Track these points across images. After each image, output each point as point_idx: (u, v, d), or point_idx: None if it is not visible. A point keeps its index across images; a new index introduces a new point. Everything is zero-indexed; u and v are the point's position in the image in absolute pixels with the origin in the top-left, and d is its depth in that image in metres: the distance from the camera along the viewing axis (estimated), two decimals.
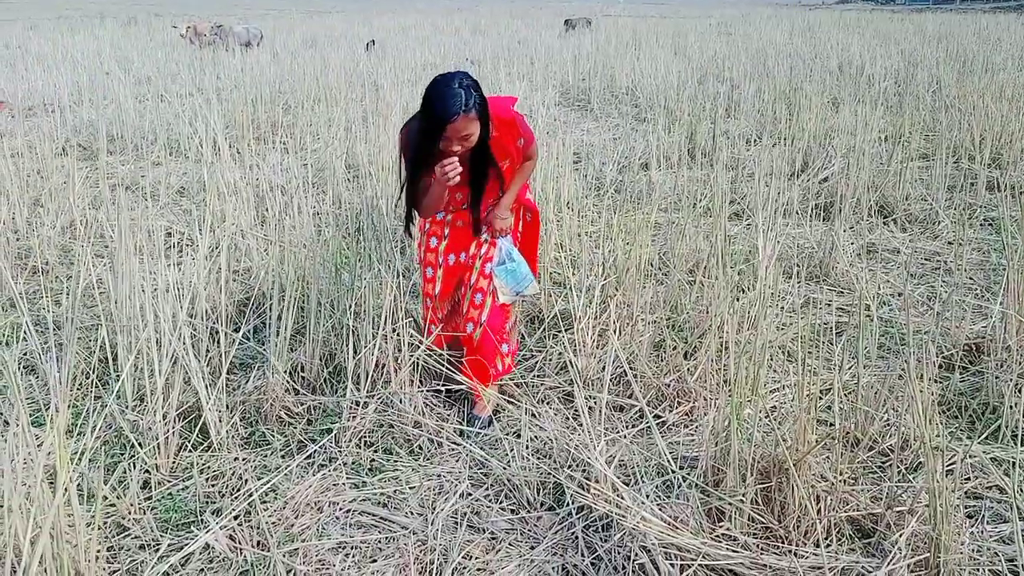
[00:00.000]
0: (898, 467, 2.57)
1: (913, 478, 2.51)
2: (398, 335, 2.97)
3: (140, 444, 2.67)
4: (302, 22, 25.86)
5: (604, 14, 32.27)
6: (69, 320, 3.02)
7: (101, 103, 8.63)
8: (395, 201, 4.47)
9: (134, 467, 2.58)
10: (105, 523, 2.41)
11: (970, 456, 2.68)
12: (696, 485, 2.35)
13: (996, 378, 3.03)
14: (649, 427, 2.87)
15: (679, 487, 2.38)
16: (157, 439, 2.67)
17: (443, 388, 3.08)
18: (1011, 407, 2.79)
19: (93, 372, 3.18)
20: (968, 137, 6.78)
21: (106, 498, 2.47)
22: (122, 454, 2.70)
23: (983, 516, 2.42)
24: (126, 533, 2.39)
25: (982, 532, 2.35)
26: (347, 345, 2.96)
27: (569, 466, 2.65)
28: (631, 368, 3.07)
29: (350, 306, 3.24)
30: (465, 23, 26.12)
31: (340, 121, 7.64)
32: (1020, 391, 2.89)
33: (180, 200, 5.88)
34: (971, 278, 4.30)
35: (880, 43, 15.65)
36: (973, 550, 2.27)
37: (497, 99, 2.77)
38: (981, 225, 5.27)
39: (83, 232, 4.90)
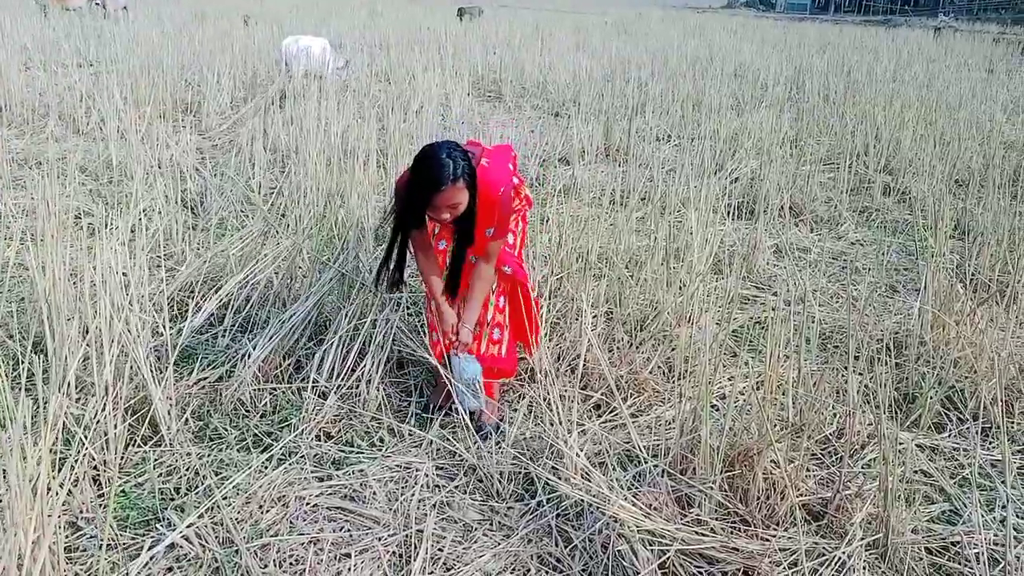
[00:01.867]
0: (839, 454, 2.76)
1: (853, 464, 2.70)
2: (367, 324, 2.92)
3: (85, 440, 2.53)
4: None
5: (500, 5, 32.35)
6: None
7: None
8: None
9: (78, 463, 2.44)
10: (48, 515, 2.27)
11: (899, 444, 2.90)
12: (667, 473, 2.44)
13: (916, 370, 3.28)
14: (611, 418, 2.95)
15: (650, 475, 2.47)
16: (105, 434, 2.53)
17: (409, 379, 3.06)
18: (930, 398, 3.04)
19: (12, 362, 2.98)
20: (862, 144, 7.25)
21: (54, 494, 2.32)
22: (67, 450, 2.54)
23: (916, 499, 2.63)
24: (81, 533, 2.26)
25: (916, 513, 2.56)
26: (312, 335, 2.89)
27: (533, 456, 2.70)
28: (584, 361, 3.14)
29: (314, 297, 3.16)
30: (362, 5, 25.60)
31: (253, 101, 7.37)
32: (939, 383, 3.15)
33: (83, 179, 5.52)
34: (875, 277, 4.62)
35: (769, 49, 16.43)
36: (911, 529, 2.47)
37: (489, 168, 2.69)
38: (879, 226, 5.66)
39: None
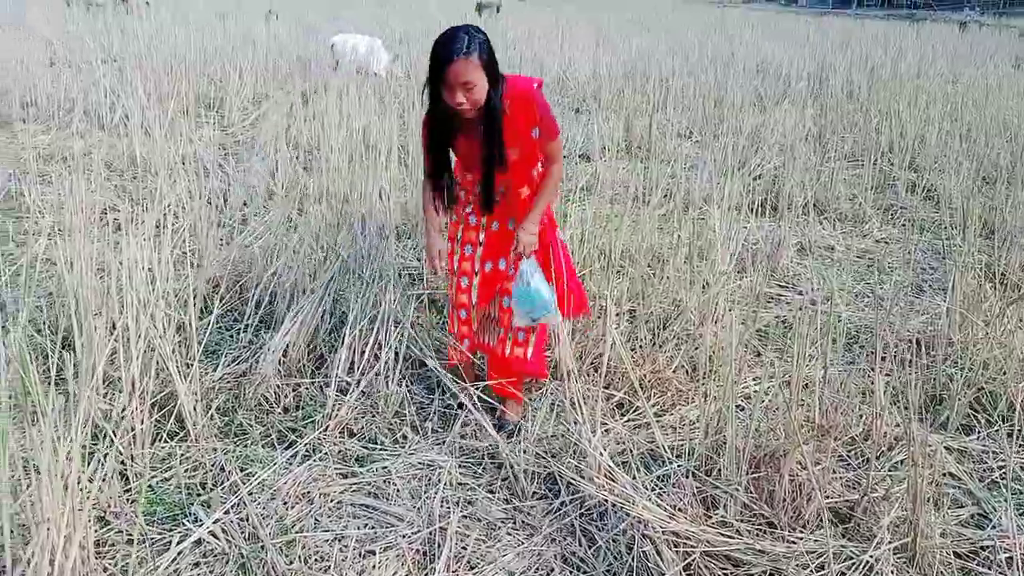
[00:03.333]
0: (865, 456, 2.73)
1: (880, 466, 2.67)
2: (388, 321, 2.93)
3: (112, 435, 2.55)
4: None
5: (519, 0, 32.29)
6: (23, 300, 2.85)
7: (10, 66, 8.06)
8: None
9: (107, 458, 2.47)
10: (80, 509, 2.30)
11: (928, 446, 2.87)
12: (692, 473, 2.43)
13: (944, 372, 3.24)
14: (634, 417, 2.94)
15: (675, 476, 2.45)
16: (132, 429, 2.55)
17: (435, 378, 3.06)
18: (958, 400, 3.00)
19: (41, 357, 3.01)
20: (886, 141, 7.17)
21: (84, 489, 2.35)
22: (95, 444, 2.56)
23: (944, 502, 2.60)
24: (109, 527, 2.28)
25: (945, 517, 2.53)
26: (333, 331, 2.90)
27: (556, 455, 2.69)
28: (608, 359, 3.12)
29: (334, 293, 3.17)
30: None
31: (276, 97, 7.40)
32: (967, 384, 3.11)
33: (109, 174, 5.57)
34: (901, 276, 4.57)
35: (791, 44, 16.28)
36: (939, 533, 2.44)
37: (517, 76, 2.68)
38: (904, 224, 5.59)
39: (14, 207, 4.59)
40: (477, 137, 2.63)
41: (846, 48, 15.15)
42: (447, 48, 2.45)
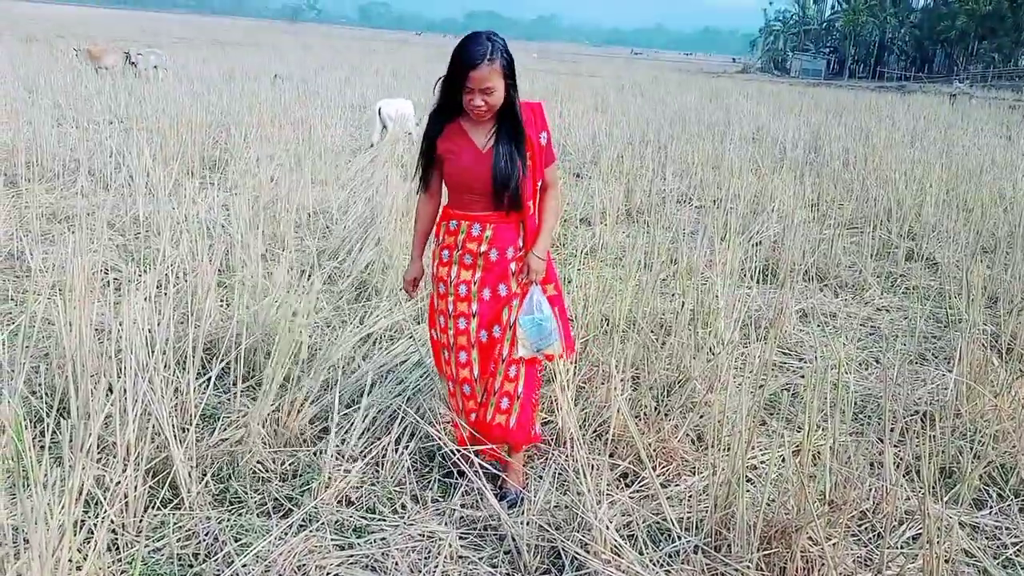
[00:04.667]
0: (876, 530, 2.67)
1: (891, 540, 2.60)
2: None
3: (104, 502, 2.48)
4: (214, 54, 25.33)
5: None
6: (19, 362, 2.80)
7: (17, 126, 8.15)
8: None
9: (98, 527, 2.39)
10: None
11: (938, 520, 2.80)
12: (701, 549, 2.36)
13: (954, 444, 3.19)
14: (640, 488, 2.87)
15: (684, 552, 2.38)
16: (125, 496, 2.48)
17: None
18: (970, 473, 2.95)
19: (35, 421, 2.95)
20: (884, 209, 7.23)
21: (71, 560, 2.27)
22: (85, 512, 2.49)
23: None
24: None
25: None
26: (336, 401, 2.85)
27: (560, 527, 2.62)
28: (612, 427, 3.07)
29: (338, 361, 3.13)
30: (385, 65, 26.24)
31: (279, 158, 7.47)
32: (976, 457, 3.05)
33: (111, 234, 5.58)
34: (904, 344, 4.55)
35: (785, 113, 16.60)
36: None
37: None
38: (904, 293, 5.60)
39: (15, 266, 4.58)
40: (486, 142, 2.66)
41: (840, 117, 15.44)
42: (471, 53, 2.49)
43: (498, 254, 2.71)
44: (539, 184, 2.76)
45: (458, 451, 2.73)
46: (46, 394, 3.10)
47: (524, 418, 2.80)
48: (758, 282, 5.36)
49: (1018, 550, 2.69)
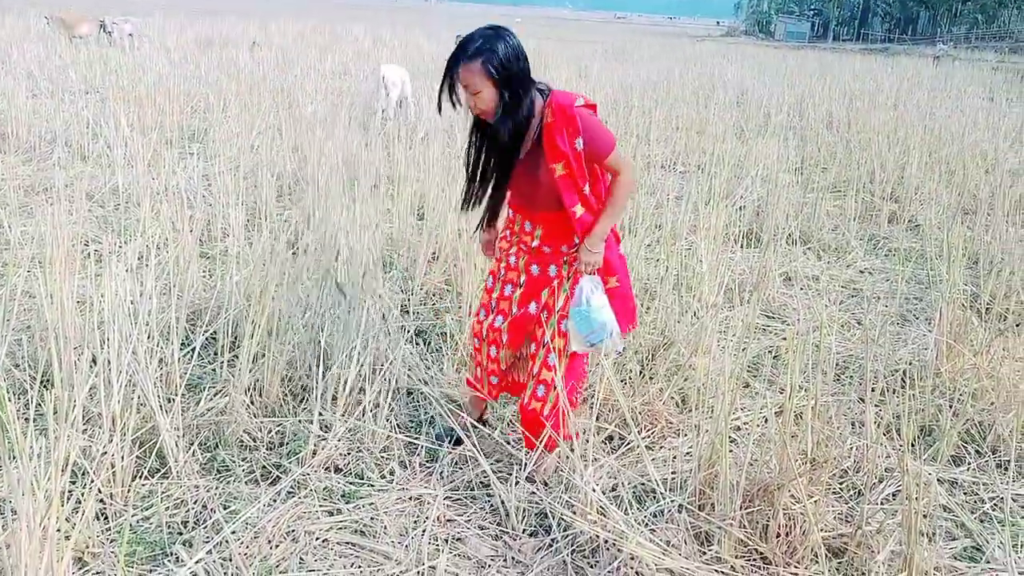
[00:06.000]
0: (856, 488, 2.71)
1: (871, 497, 2.65)
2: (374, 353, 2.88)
3: (91, 472, 2.48)
4: (192, 22, 24.86)
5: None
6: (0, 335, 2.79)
7: None
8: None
9: (86, 497, 2.40)
10: (60, 558, 2.22)
11: (917, 477, 2.85)
12: (685, 508, 2.39)
13: (933, 403, 3.24)
14: (626, 451, 2.90)
15: (668, 511, 2.42)
16: (112, 466, 2.49)
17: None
18: (949, 430, 3.00)
19: (19, 393, 2.94)
20: (867, 172, 7.26)
21: (60, 530, 2.28)
22: (72, 482, 2.49)
23: (938, 535, 2.58)
24: (86, 568, 2.21)
25: (939, 550, 2.51)
26: (317, 365, 2.85)
27: (547, 488, 2.65)
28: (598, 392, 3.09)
29: (322, 325, 3.12)
30: (365, 32, 25.86)
31: (259, 128, 7.38)
32: (955, 415, 3.10)
33: (91, 206, 5.51)
34: (886, 306, 4.59)
35: (770, 77, 16.54)
36: (934, 568, 2.41)
37: (565, 92, 2.50)
38: (886, 255, 5.64)
39: None
40: (528, 162, 2.53)
41: (824, 80, 15.40)
42: (457, 49, 2.37)
43: (551, 249, 2.65)
44: (606, 176, 2.62)
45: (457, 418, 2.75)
46: (29, 366, 3.08)
47: (558, 411, 2.67)
48: (742, 246, 5.39)
49: (994, 505, 2.75)
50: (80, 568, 2.21)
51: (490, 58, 2.34)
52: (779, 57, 26.18)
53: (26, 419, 2.79)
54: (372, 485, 2.70)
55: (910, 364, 3.63)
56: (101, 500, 2.46)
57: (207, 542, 2.32)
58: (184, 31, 20.25)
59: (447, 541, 2.45)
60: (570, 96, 2.47)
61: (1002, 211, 5.60)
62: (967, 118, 10.39)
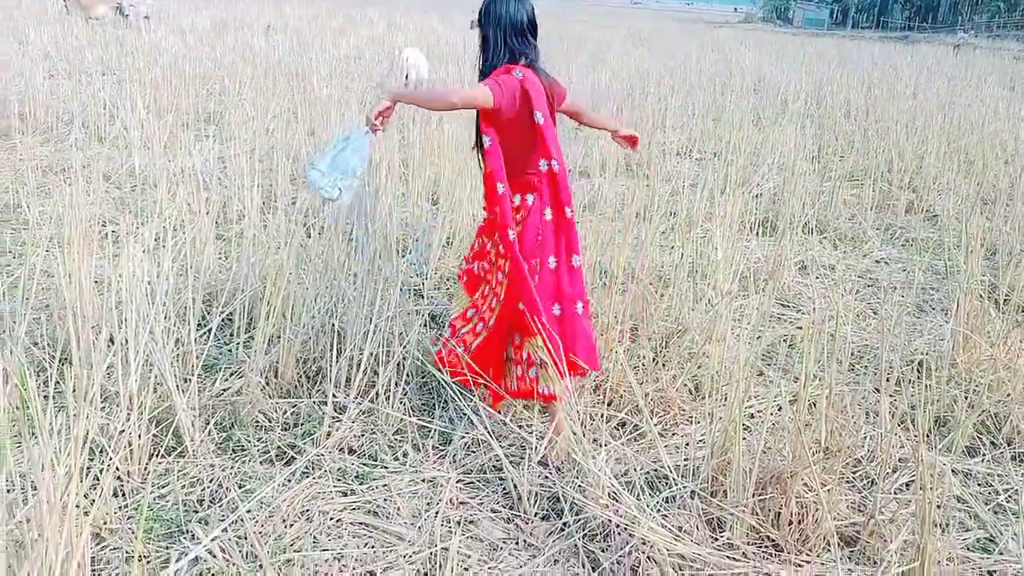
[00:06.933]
0: (870, 477, 2.71)
1: (885, 487, 2.65)
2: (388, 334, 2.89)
3: (109, 450, 2.51)
4: (207, 4, 24.82)
5: None
6: (20, 313, 2.81)
7: (8, 77, 8.04)
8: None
9: (104, 474, 2.42)
10: (79, 533, 2.25)
11: (932, 467, 2.84)
12: (697, 495, 2.40)
13: (948, 393, 3.22)
14: (637, 436, 2.91)
15: (681, 497, 2.42)
16: (129, 444, 2.51)
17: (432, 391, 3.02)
18: (964, 421, 2.98)
19: (38, 371, 2.97)
20: (884, 161, 7.19)
21: (78, 506, 2.31)
22: (91, 459, 2.52)
23: (951, 526, 2.57)
24: (103, 544, 2.24)
25: (951, 541, 2.50)
26: (331, 348, 2.86)
27: (559, 473, 2.66)
28: (610, 378, 3.10)
29: (335, 305, 3.14)
30: (379, 15, 25.76)
31: (274, 111, 7.39)
32: (971, 406, 3.09)
33: (108, 187, 5.55)
34: (902, 296, 4.56)
35: (788, 64, 16.38)
36: (947, 558, 2.41)
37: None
38: (903, 245, 5.59)
39: (12, 219, 4.56)
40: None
41: (842, 68, 15.24)
42: None
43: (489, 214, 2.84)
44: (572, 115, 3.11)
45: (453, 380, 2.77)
46: (48, 344, 3.11)
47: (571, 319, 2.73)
48: (757, 234, 5.35)
49: (1009, 496, 2.74)
50: (98, 544, 2.25)
51: (479, 13, 2.70)
52: (797, 44, 25.90)
53: (45, 397, 2.83)
54: (385, 467, 2.72)
55: (926, 354, 3.61)
56: (119, 478, 2.49)
57: (222, 520, 2.35)
58: (200, 12, 20.22)
59: (459, 523, 2.47)
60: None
61: (1021, 202, 5.54)
62: (987, 108, 10.25)
